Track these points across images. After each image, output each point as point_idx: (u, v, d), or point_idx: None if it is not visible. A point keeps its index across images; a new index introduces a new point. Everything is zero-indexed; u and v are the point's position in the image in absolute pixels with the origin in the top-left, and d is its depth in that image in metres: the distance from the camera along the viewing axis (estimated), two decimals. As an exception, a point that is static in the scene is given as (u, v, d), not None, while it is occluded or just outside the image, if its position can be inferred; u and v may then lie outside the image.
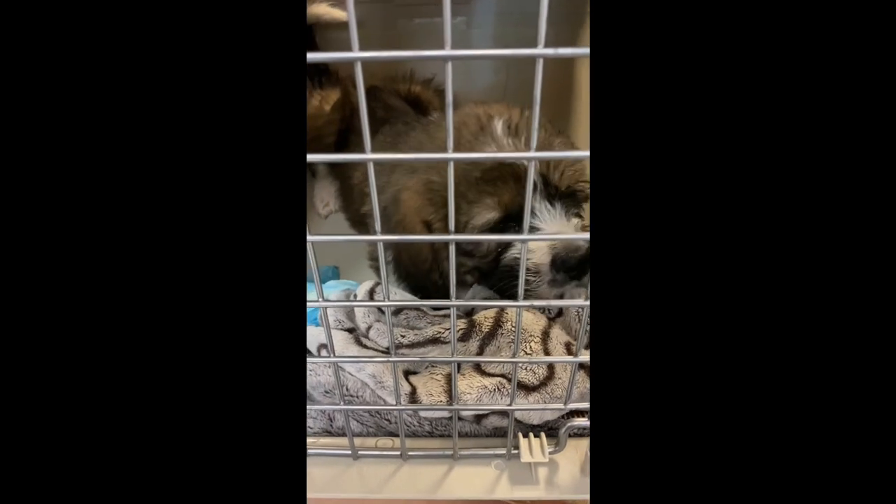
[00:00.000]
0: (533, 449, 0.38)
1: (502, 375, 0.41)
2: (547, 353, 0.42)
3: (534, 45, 0.21)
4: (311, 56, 0.23)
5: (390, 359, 0.33)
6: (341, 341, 0.45)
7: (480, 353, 0.43)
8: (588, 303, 0.28)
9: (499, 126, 0.45)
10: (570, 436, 0.39)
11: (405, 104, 0.74)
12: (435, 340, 0.43)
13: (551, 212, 0.46)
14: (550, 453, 0.38)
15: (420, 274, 0.48)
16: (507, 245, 0.47)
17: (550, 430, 0.42)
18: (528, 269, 0.46)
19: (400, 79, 0.80)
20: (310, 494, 0.39)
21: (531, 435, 0.39)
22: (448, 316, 0.46)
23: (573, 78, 0.83)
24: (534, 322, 0.44)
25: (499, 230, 0.45)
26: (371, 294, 0.48)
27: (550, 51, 0.22)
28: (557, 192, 0.46)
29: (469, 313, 0.47)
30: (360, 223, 0.66)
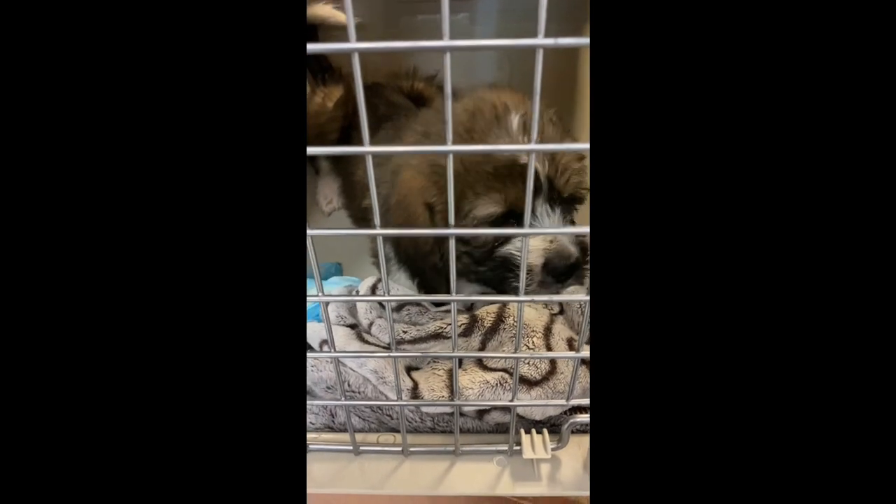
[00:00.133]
0: (535, 445, 0.38)
1: (504, 370, 0.41)
2: (549, 348, 0.42)
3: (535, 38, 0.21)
4: (310, 47, 0.23)
5: (391, 354, 0.33)
6: (343, 337, 0.45)
7: (482, 348, 0.43)
8: (588, 297, 0.28)
9: (515, 121, 0.45)
10: (572, 432, 0.39)
11: (408, 101, 0.74)
12: (437, 336, 0.43)
13: (551, 216, 0.47)
14: (553, 450, 0.38)
15: (420, 256, 0.48)
16: (504, 240, 0.47)
17: (553, 427, 0.42)
18: (518, 266, 0.46)
19: (403, 75, 0.80)
20: (311, 490, 0.39)
21: (533, 431, 0.39)
22: (450, 311, 0.46)
23: (577, 73, 0.82)
24: (536, 318, 0.44)
25: (498, 225, 0.45)
26: (373, 290, 0.48)
27: (550, 41, 0.21)
28: (559, 198, 0.47)
29: (471, 308, 0.47)
30: (363, 219, 0.66)
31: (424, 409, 0.42)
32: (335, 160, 0.80)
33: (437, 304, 0.49)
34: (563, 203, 0.47)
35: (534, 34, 0.21)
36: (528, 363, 0.41)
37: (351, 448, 0.39)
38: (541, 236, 0.46)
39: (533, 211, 0.46)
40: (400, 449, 0.40)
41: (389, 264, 0.53)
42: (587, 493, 0.38)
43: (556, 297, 0.36)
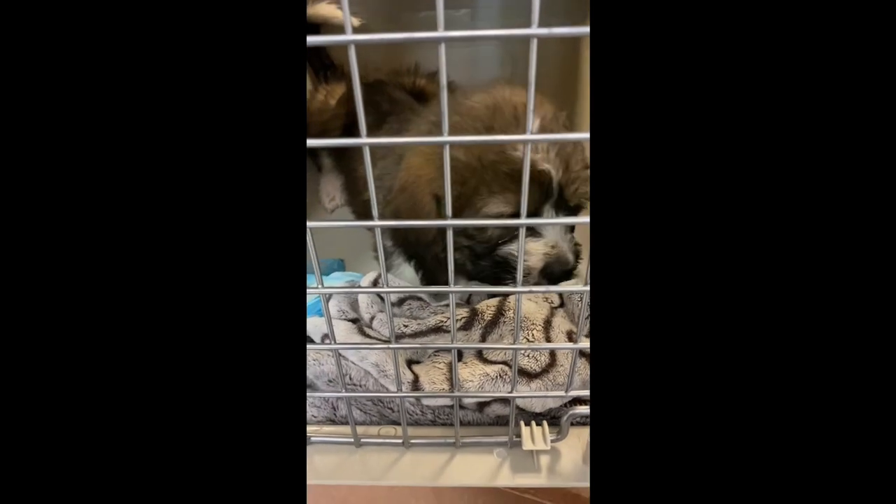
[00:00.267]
0: (535, 437, 0.38)
1: (504, 363, 0.41)
2: (549, 341, 0.42)
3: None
4: (309, 40, 0.23)
5: (390, 346, 0.34)
6: (345, 331, 0.45)
7: (483, 341, 0.43)
8: (588, 288, 0.28)
9: (535, 124, 0.45)
10: (572, 424, 0.39)
11: (410, 97, 0.74)
12: (437, 329, 0.44)
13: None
14: (552, 441, 0.38)
15: (422, 245, 0.48)
16: (508, 238, 0.47)
17: (552, 419, 0.42)
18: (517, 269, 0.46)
19: (405, 72, 0.80)
20: (313, 481, 0.39)
21: (533, 423, 0.39)
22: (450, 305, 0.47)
23: (580, 72, 0.82)
24: (536, 311, 0.44)
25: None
26: (374, 285, 0.48)
27: (544, 30, 0.22)
28: (565, 206, 0.47)
29: (469, 302, 0.47)
30: (366, 214, 0.66)
31: (425, 402, 0.42)
32: (338, 157, 0.81)
33: (438, 298, 0.50)
34: (568, 211, 0.48)
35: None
36: (528, 356, 0.41)
37: (352, 440, 0.40)
38: (542, 242, 0.47)
39: (539, 213, 0.46)
40: (401, 441, 0.40)
41: (391, 258, 0.53)
42: (587, 484, 0.38)
43: (554, 289, 0.36)
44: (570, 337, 0.43)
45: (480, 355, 0.43)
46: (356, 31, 0.21)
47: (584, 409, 0.38)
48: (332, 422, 0.44)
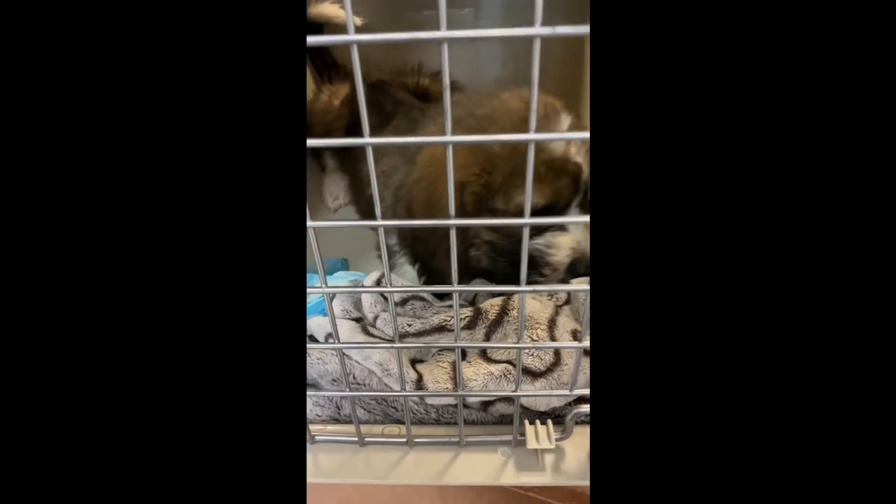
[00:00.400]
0: (539, 435, 0.38)
1: (508, 362, 0.41)
2: (553, 340, 0.42)
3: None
4: (311, 40, 0.24)
5: (394, 345, 0.34)
6: (349, 330, 0.45)
7: (487, 340, 0.43)
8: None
9: (566, 122, 0.46)
10: (576, 423, 0.39)
11: (413, 97, 0.74)
12: (441, 329, 0.44)
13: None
14: (557, 440, 0.38)
15: (434, 239, 0.47)
16: (536, 232, 0.47)
17: (557, 418, 0.42)
18: (548, 264, 0.46)
19: (408, 72, 0.80)
20: (318, 480, 0.39)
21: (537, 422, 0.39)
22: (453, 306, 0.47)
23: (583, 70, 0.82)
24: (540, 310, 0.44)
25: (536, 216, 0.46)
26: (378, 284, 0.48)
27: (548, 29, 0.22)
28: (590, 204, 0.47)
29: (473, 302, 0.47)
30: (370, 214, 0.66)
31: (429, 401, 0.42)
32: (342, 157, 0.81)
33: (441, 298, 0.50)
34: None
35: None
36: (533, 355, 0.41)
37: (356, 439, 0.40)
38: (570, 237, 0.47)
39: (568, 208, 0.46)
40: (405, 440, 0.40)
41: (395, 257, 0.53)
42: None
43: (557, 287, 0.36)
44: (575, 336, 0.43)
45: (484, 354, 0.43)
46: (359, 30, 0.21)
47: (589, 408, 0.38)
48: (337, 420, 0.44)
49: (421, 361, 0.45)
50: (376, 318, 0.47)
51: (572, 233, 0.47)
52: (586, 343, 0.32)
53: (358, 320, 0.48)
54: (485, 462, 0.39)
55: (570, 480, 0.38)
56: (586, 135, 0.23)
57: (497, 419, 0.43)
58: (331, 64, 0.85)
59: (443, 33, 0.21)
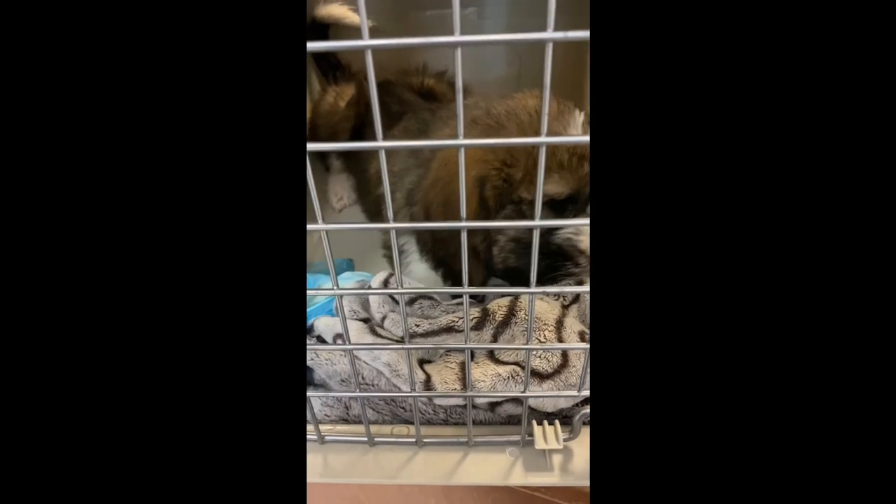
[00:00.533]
0: (547, 436, 0.38)
1: (516, 363, 0.41)
2: (561, 341, 0.42)
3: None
4: (323, 45, 0.24)
5: (404, 346, 0.34)
6: (356, 331, 0.46)
7: (494, 341, 0.44)
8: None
9: (580, 118, 0.46)
10: (584, 423, 0.39)
11: (418, 98, 0.74)
12: (449, 329, 0.44)
13: None
14: (565, 440, 0.38)
15: (455, 242, 0.47)
16: (560, 225, 0.47)
17: (565, 419, 0.42)
18: (581, 252, 0.46)
19: (413, 72, 0.80)
20: (327, 479, 0.40)
21: (545, 422, 0.39)
22: (462, 304, 0.47)
23: (586, 67, 0.82)
24: (548, 311, 0.44)
25: (558, 209, 0.45)
26: (385, 284, 0.48)
27: (560, 34, 0.22)
28: None
29: (482, 301, 0.47)
30: (377, 213, 0.66)
31: (437, 402, 0.43)
32: (346, 158, 0.81)
33: (451, 295, 0.50)
34: None
35: (542, 29, 0.21)
36: (540, 356, 0.41)
37: (366, 439, 0.40)
38: None
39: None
40: (414, 440, 0.40)
41: (402, 256, 0.53)
42: (599, 483, 0.38)
43: (567, 289, 0.36)
44: (583, 337, 0.43)
45: (492, 356, 0.43)
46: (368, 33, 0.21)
47: (597, 409, 0.38)
48: (346, 421, 0.45)
49: (429, 362, 0.45)
50: (384, 318, 0.47)
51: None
52: (595, 344, 0.32)
53: (365, 321, 0.48)
54: (493, 462, 0.39)
55: (579, 481, 0.38)
56: (586, 138, 0.23)
57: (504, 420, 0.43)
58: (335, 65, 0.85)
59: (456, 38, 0.22)
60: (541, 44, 0.22)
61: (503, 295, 0.46)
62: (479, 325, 0.44)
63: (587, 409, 0.38)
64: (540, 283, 0.48)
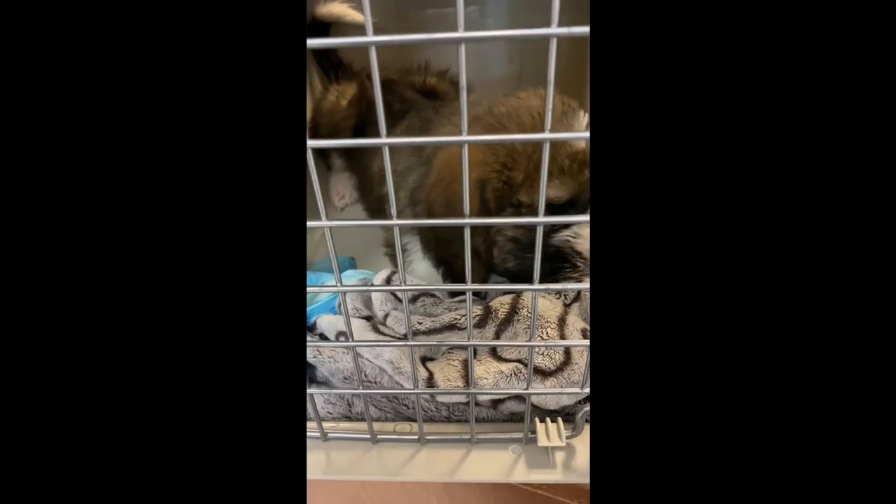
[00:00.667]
0: (550, 433, 0.38)
1: (518, 361, 0.41)
2: (563, 339, 0.42)
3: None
4: (327, 42, 0.24)
5: (407, 343, 0.34)
6: (359, 328, 0.46)
7: (497, 339, 0.44)
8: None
9: (585, 119, 0.46)
10: (586, 420, 0.39)
11: (420, 96, 0.74)
12: (451, 327, 0.44)
13: None
14: (567, 438, 0.38)
15: (458, 241, 0.47)
16: (563, 224, 0.47)
17: (567, 416, 0.42)
18: (579, 254, 0.46)
19: (415, 71, 0.80)
20: (330, 476, 0.40)
21: (548, 420, 0.40)
22: (464, 302, 0.47)
23: (587, 64, 0.82)
24: (550, 309, 0.44)
25: (558, 210, 0.45)
26: (388, 282, 0.48)
27: (564, 30, 0.22)
28: None
29: (484, 298, 0.47)
30: (380, 211, 0.66)
31: (440, 399, 0.43)
32: (348, 157, 0.81)
33: (452, 294, 0.50)
34: None
35: (545, 26, 0.22)
36: (543, 354, 0.41)
37: (368, 436, 0.40)
38: None
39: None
40: (416, 437, 0.40)
41: (405, 254, 0.53)
42: (602, 480, 0.38)
43: (570, 286, 0.36)
44: (585, 335, 0.43)
45: (494, 353, 0.43)
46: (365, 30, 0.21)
47: (599, 406, 0.38)
48: (348, 418, 0.45)
49: (431, 359, 0.45)
50: (386, 316, 0.47)
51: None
52: (598, 341, 0.32)
53: (368, 318, 0.48)
54: (496, 459, 0.39)
55: (581, 478, 0.38)
56: (586, 134, 0.23)
57: (507, 417, 0.43)
58: (337, 63, 0.85)
59: (460, 34, 0.22)
60: (543, 40, 0.22)
61: (505, 292, 0.46)
62: (481, 323, 0.44)
63: (589, 407, 0.38)
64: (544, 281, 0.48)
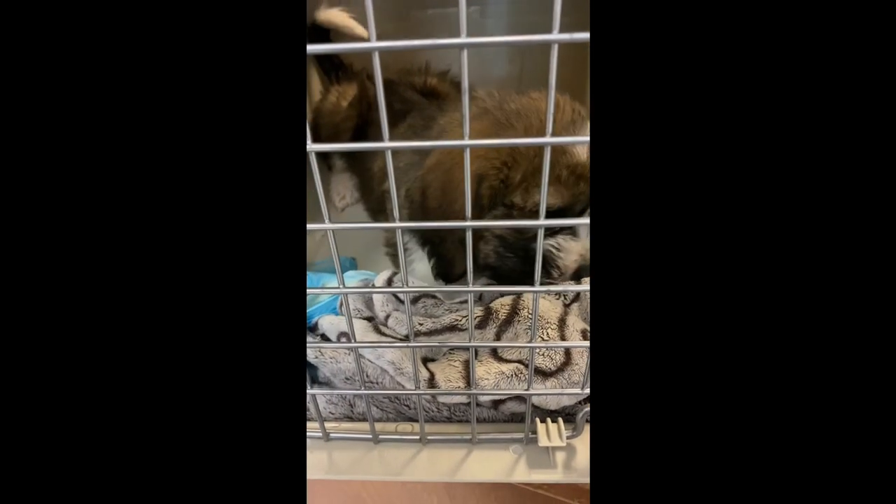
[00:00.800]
0: (550, 433, 0.39)
1: (519, 361, 0.42)
2: (563, 339, 0.43)
3: (549, 32, 0.22)
4: (329, 47, 0.24)
5: (409, 344, 0.34)
6: (360, 329, 0.46)
7: (497, 340, 0.44)
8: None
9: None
10: (587, 421, 0.39)
11: (421, 97, 0.74)
12: (452, 328, 0.44)
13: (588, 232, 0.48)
14: (568, 438, 0.39)
15: (451, 232, 0.48)
16: (549, 233, 0.48)
17: (568, 416, 0.42)
18: (557, 267, 0.47)
19: (415, 72, 0.80)
20: (332, 476, 0.40)
21: (549, 420, 0.40)
22: (465, 303, 0.47)
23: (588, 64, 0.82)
24: (550, 309, 0.45)
25: (549, 217, 0.46)
26: (389, 283, 0.49)
27: (566, 36, 0.22)
28: None
29: (481, 298, 0.48)
30: (381, 211, 0.66)
31: (441, 399, 0.43)
32: (349, 157, 0.81)
33: (451, 295, 0.50)
34: None
35: (546, 27, 0.22)
36: (543, 354, 0.41)
37: (370, 437, 0.41)
38: (581, 244, 0.47)
39: (583, 213, 0.47)
40: (418, 437, 0.41)
41: (406, 254, 0.53)
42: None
43: (571, 288, 0.37)
44: (585, 336, 0.43)
45: (495, 354, 0.43)
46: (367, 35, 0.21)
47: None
48: (350, 418, 0.45)
49: (432, 360, 0.45)
50: (387, 316, 0.48)
51: (583, 240, 0.47)
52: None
53: (369, 319, 0.49)
54: (497, 459, 0.40)
55: (581, 478, 0.38)
56: (586, 139, 0.24)
57: (508, 417, 0.44)
58: (337, 64, 0.86)
59: (463, 40, 0.22)
60: (553, 48, 0.22)
61: (504, 294, 0.46)
62: (482, 324, 0.44)
63: (589, 407, 0.38)
64: (521, 283, 0.49)
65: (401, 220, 0.28)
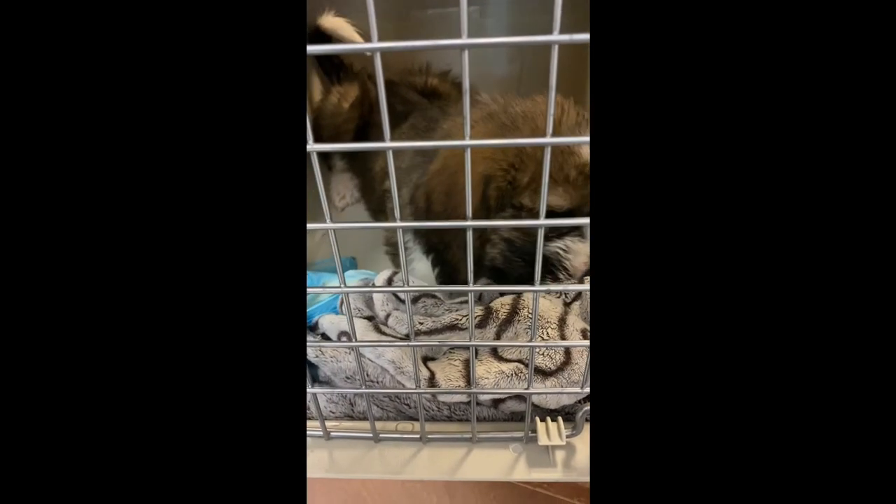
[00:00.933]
0: (550, 432, 0.39)
1: (519, 361, 0.42)
2: (563, 339, 0.43)
3: (549, 32, 0.22)
4: (331, 48, 0.24)
5: (410, 343, 0.34)
6: (361, 328, 0.46)
7: (497, 339, 0.44)
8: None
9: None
10: (586, 420, 0.39)
11: (422, 97, 0.74)
12: (452, 327, 0.44)
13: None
14: (567, 437, 0.39)
15: (451, 231, 0.47)
16: (556, 234, 0.48)
17: (567, 415, 0.43)
18: (565, 269, 0.47)
19: (416, 72, 0.80)
20: (333, 475, 0.40)
21: (548, 419, 0.40)
22: (465, 303, 0.47)
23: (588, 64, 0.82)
24: (550, 309, 0.45)
25: (559, 218, 0.47)
26: (389, 282, 0.49)
27: (566, 37, 0.22)
28: None
29: (481, 298, 0.48)
30: (382, 211, 0.67)
31: (441, 398, 0.43)
32: (349, 157, 0.82)
33: (452, 295, 0.50)
34: None
35: (546, 26, 0.22)
36: (543, 354, 0.41)
37: (371, 435, 0.41)
38: (589, 246, 0.47)
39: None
40: (418, 436, 0.41)
41: (407, 253, 0.53)
42: (602, 479, 0.38)
43: (571, 287, 0.37)
44: (585, 335, 0.43)
45: (495, 353, 0.43)
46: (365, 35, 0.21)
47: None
48: (351, 417, 0.45)
49: (432, 359, 0.45)
50: (388, 316, 0.48)
51: (585, 246, 0.47)
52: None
53: (369, 318, 0.49)
54: (497, 458, 0.40)
55: (581, 477, 0.38)
56: (587, 139, 0.24)
57: (508, 416, 0.44)
58: (338, 65, 0.86)
59: (464, 41, 0.22)
60: (553, 49, 0.22)
61: (504, 293, 0.47)
62: (482, 323, 0.44)
63: (589, 406, 0.38)
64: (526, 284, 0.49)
65: (402, 220, 0.28)
